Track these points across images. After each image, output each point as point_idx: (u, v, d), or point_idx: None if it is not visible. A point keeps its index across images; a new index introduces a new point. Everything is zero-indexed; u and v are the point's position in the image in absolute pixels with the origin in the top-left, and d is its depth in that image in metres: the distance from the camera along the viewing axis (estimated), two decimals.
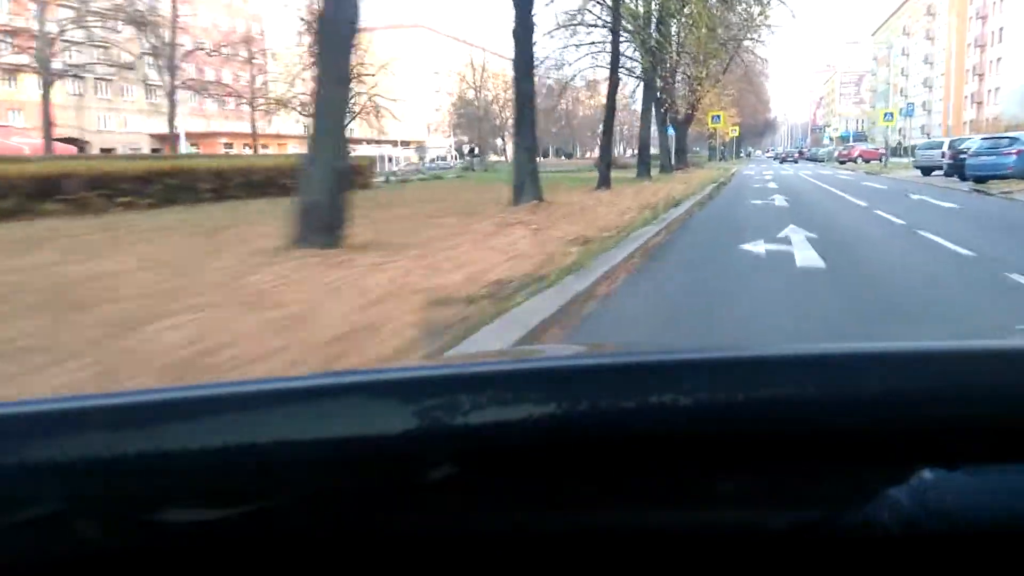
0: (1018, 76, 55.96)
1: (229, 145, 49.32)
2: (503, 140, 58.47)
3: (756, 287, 5.75)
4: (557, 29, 24.70)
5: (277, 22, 51.54)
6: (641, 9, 23.14)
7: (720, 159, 56.76)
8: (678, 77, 31.65)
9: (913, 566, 0.46)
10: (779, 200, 15.31)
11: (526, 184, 11.91)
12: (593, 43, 25.67)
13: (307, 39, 29.62)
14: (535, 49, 13.08)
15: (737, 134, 65.68)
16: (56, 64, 32.28)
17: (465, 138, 60.88)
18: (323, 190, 6.41)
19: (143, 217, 10.98)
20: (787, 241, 8.08)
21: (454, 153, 63.56)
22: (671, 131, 33.53)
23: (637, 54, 24.43)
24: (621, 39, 20.75)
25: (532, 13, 12.34)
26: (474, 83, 55.76)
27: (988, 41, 65.13)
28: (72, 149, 33.49)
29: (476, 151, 53.43)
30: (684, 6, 23.78)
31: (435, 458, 0.45)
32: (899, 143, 67.51)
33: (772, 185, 22.06)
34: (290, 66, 36.08)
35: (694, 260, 7.49)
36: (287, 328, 3.60)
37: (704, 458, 0.47)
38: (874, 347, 0.60)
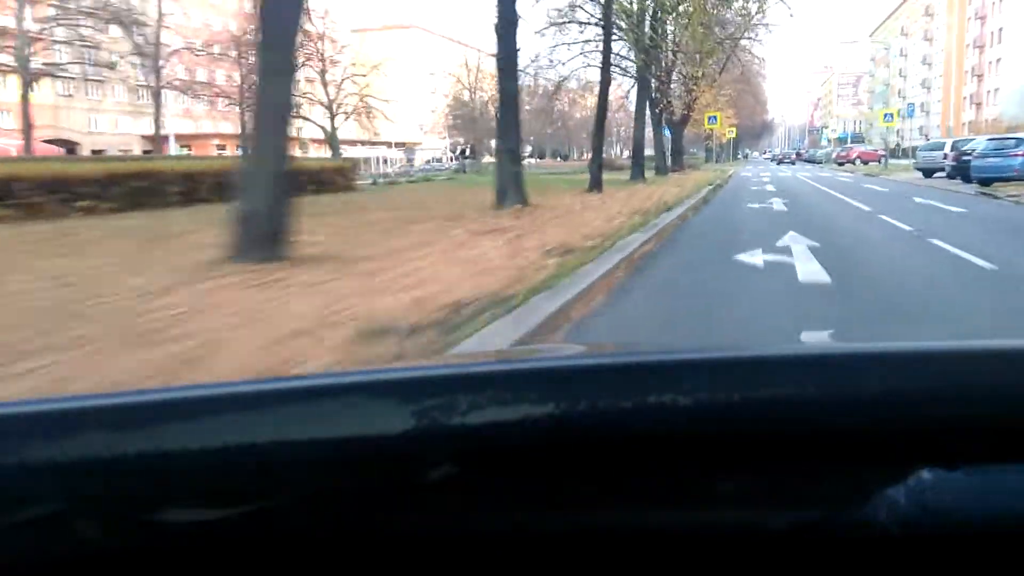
0: (1018, 77, 55.28)
1: (222, 147, 48.64)
2: None
3: (751, 310, 5.00)
4: (548, 27, 24.08)
5: None
6: (635, 6, 22.47)
7: (717, 161, 56.10)
8: (674, 76, 30.93)
9: (912, 566, 0.46)
10: (777, 204, 14.67)
11: (509, 188, 11.24)
12: (587, 41, 25.01)
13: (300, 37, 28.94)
14: (522, 47, 12.41)
15: (734, 135, 64.73)
16: (36, 63, 31.53)
17: (461, 139, 60.21)
18: (263, 197, 5.62)
19: (99, 222, 10.22)
20: (787, 251, 7.38)
21: (449, 155, 62.80)
22: (667, 132, 32.91)
23: (631, 53, 23.77)
24: (614, 37, 20.13)
25: (514, 6, 11.63)
26: (469, 84, 55.08)
27: (987, 42, 64.53)
28: (58, 150, 32.73)
29: (468, 153, 52.72)
30: (679, 3, 23.18)
31: (435, 458, 0.45)
32: (897, 144, 67.05)
33: (770, 188, 21.51)
34: None
35: (683, 275, 6.74)
36: (161, 372, 2.86)
37: (704, 458, 0.47)
38: (874, 347, 0.60)
